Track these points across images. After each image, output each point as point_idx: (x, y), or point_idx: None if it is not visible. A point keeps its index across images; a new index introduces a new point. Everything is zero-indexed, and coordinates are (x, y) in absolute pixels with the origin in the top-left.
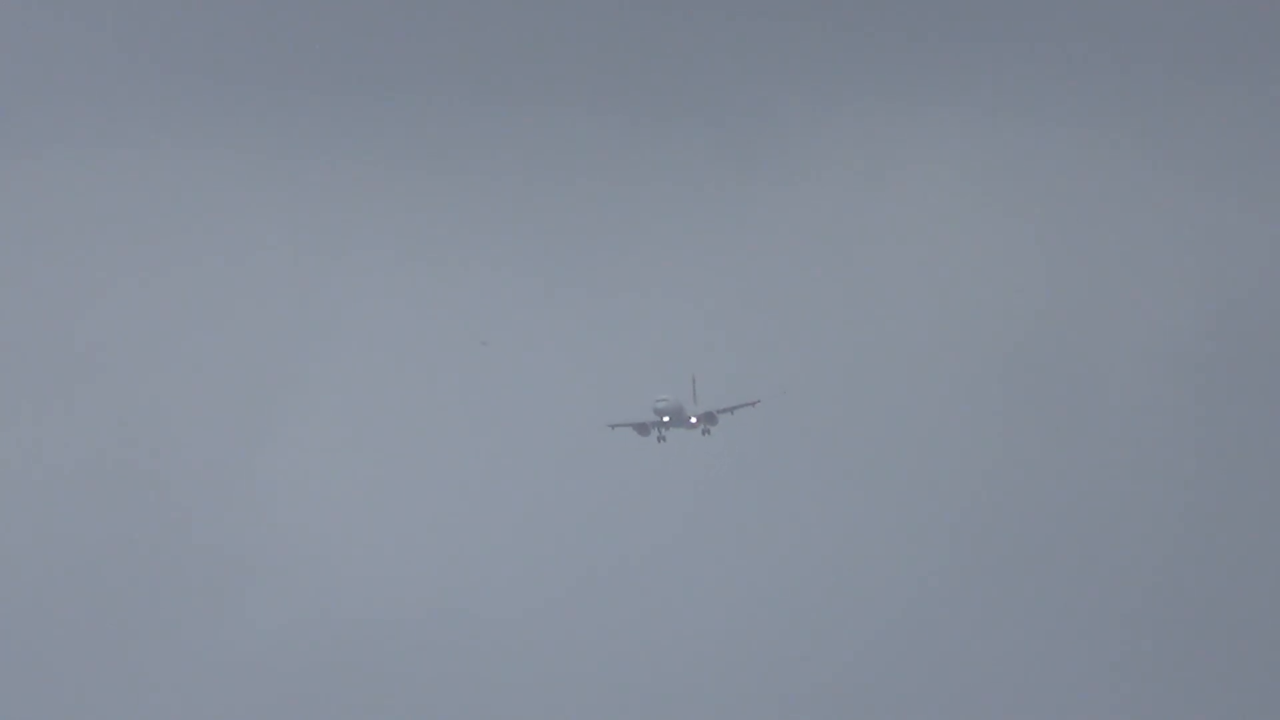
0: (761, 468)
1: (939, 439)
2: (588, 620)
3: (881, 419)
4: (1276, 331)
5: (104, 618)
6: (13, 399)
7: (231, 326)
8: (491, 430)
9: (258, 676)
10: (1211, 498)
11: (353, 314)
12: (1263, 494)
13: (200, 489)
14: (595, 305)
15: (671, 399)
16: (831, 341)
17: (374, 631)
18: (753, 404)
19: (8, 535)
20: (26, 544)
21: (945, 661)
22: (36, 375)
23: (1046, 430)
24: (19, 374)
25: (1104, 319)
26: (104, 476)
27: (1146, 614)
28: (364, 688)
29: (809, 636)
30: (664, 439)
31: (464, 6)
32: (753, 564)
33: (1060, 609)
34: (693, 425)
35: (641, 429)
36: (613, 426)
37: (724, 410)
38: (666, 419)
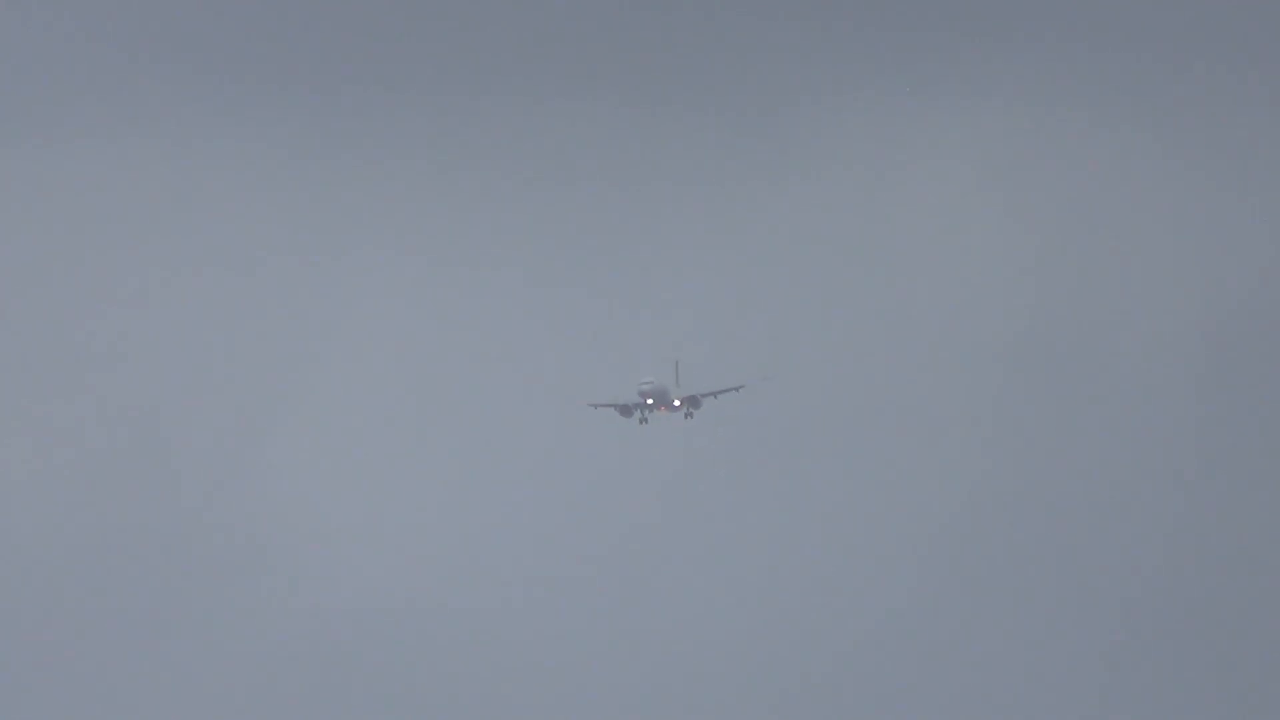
0: (743, 453)
1: (927, 430)
2: (574, 606)
3: (868, 410)
4: None
5: (111, 606)
6: (21, 393)
7: (235, 320)
8: (485, 415)
9: (263, 665)
10: (1212, 493)
11: (355, 304)
12: (1266, 491)
13: (205, 479)
14: (588, 290)
15: (656, 381)
16: (820, 330)
17: (372, 617)
18: (736, 389)
19: (16, 526)
20: (33, 535)
21: (931, 652)
22: (44, 369)
23: (1043, 423)
24: (27, 368)
25: (1104, 313)
26: (109, 470)
27: (1144, 609)
28: (364, 674)
29: (788, 623)
30: (645, 421)
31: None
32: (730, 549)
33: (1049, 600)
34: (675, 408)
35: (624, 410)
36: (595, 406)
37: (707, 394)
38: (650, 401)
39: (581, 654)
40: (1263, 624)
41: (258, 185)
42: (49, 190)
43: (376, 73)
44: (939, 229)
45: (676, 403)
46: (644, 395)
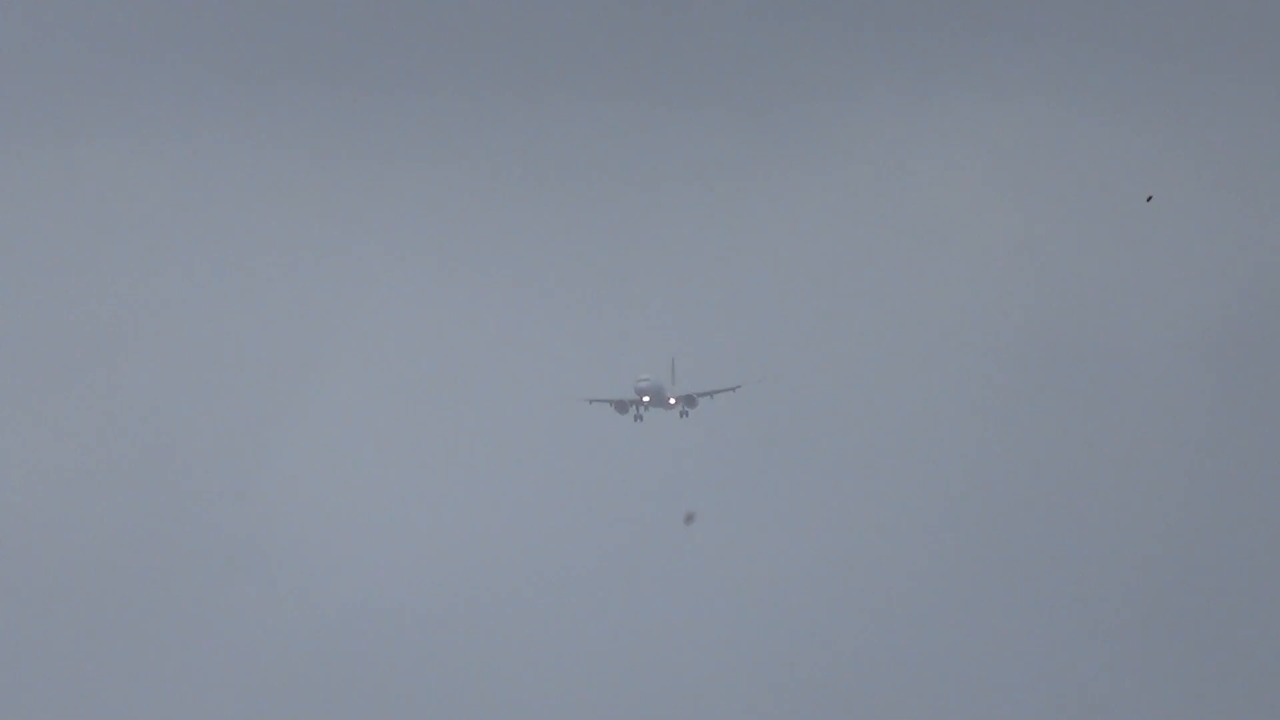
0: (741, 451)
1: (927, 430)
2: (575, 606)
3: (864, 413)
4: None
5: (117, 606)
6: (29, 391)
7: (242, 321)
8: (488, 414)
9: (270, 663)
10: (1217, 493)
11: (359, 303)
12: (1270, 491)
13: (211, 479)
14: (590, 289)
15: (653, 379)
16: (819, 330)
17: (374, 615)
18: (733, 389)
19: (24, 525)
20: (40, 535)
21: (930, 651)
22: (51, 369)
23: (1044, 423)
24: (37, 367)
25: (1106, 313)
26: (115, 471)
27: (1145, 609)
28: (369, 671)
29: (786, 623)
30: (641, 418)
31: None
32: (728, 548)
33: (1049, 600)
34: (671, 406)
35: (620, 406)
36: (591, 401)
37: (703, 394)
38: (647, 398)
39: (580, 653)
40: (1265, 625)
41: (265, 187)
42: (63, 191)
43: (377, 74)
44: (940, 229)
45: (672, 401)
46: (640, 393)
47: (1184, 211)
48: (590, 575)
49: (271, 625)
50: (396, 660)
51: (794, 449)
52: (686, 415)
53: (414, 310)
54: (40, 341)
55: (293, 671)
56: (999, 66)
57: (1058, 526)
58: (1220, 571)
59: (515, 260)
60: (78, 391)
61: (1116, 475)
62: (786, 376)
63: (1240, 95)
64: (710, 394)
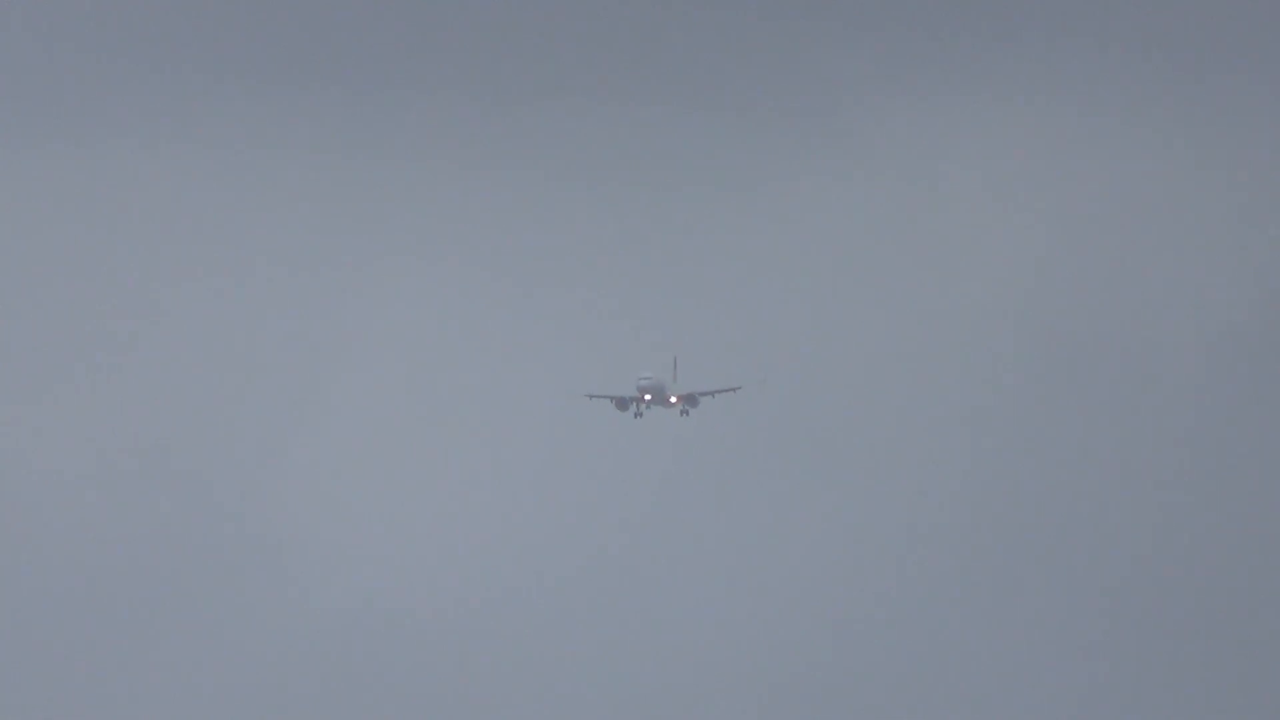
0: (740, 451)
1: (927, 431)
2: (577, 605)
3: (869, 419)
4: None
5: (130, 608)
6: (39, 391)
7: (248, 322)
8: (491, 411)
9: (280, 665)
10: (1220, 496)
11: (364, 306)
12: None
13: (223, 482)
14: (594, 289)
15: (655, 377)
16: (822, 331)
17: (382, 617)
18: (734, 390)
19: (37, 521)
20: (49, 534)
21: (928, 652)
22: (61, 369)
23: (1045, 425)
24: (47, 367)
25: (1108, 315)
26: (126, 474)
27: (1145, 611)
28: (376, 672)
29: (783, 623)
30: (641, 415)
31: None
32: (728, 547)
33: (1048, 600)
34: (672, 405)
35: (621, 403)
36: (591, 397)
37: (705, 394)
38: (648, 396)
39: (580, 652)
40: (1268, 626)
41: (276, 189)
42: (84, 191)
43: (378, 75)
44: (942, 230)
45: (673, 399)
46: (642, 390)
47: (1201, 219)
48: (593, 575)
49: (284, 623)
50: (408, 657)
51: (793, 449)
52: (687, 414)
53: (423, 309)
54: (56, 343)
55: (306, 669)
56: (998, 65)
57: (1060, 528)
58: (1225, 573)
59: (526, 259)
60: (91, 392)
61: (1125, 479)
62: (789, 378)
63: (1262, 103)
64: (712, 394)
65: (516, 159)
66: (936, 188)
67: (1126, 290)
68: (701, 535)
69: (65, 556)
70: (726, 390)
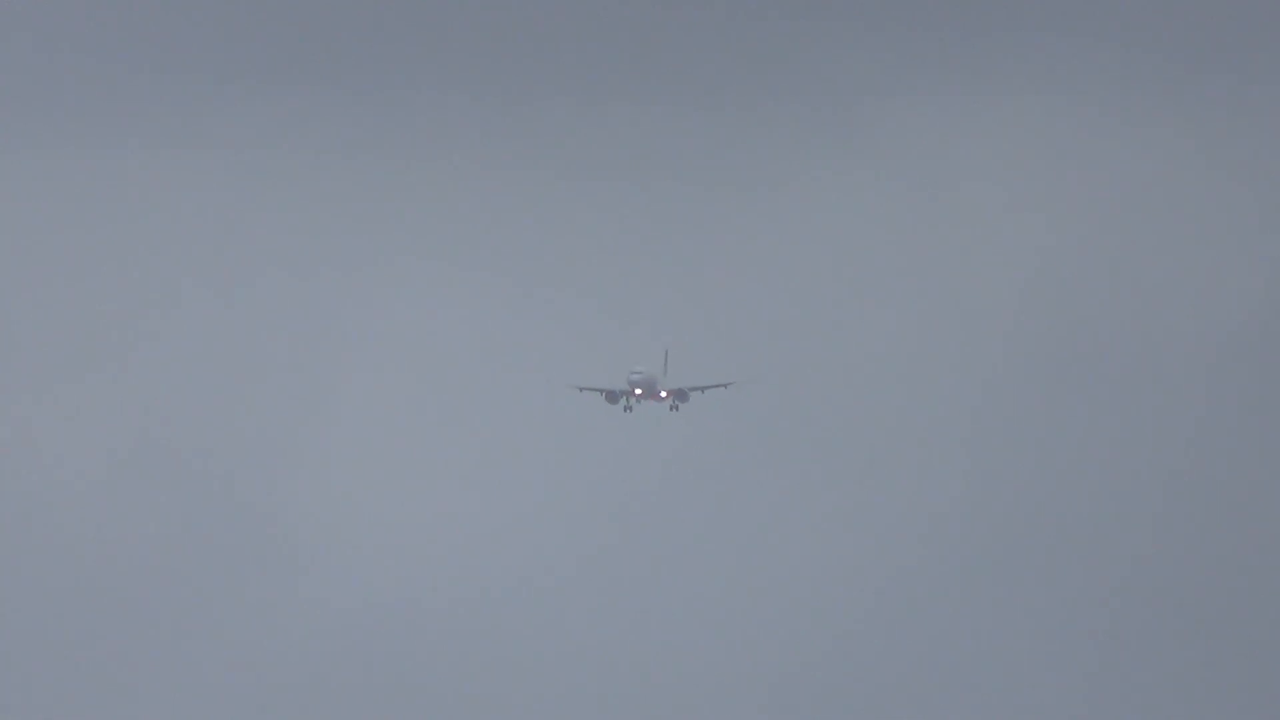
0: (737, 449)
1: (924, 431)
2: (578, 605)
3: (867, 416)
4: None
5: (137, 606)
6: (49, 388)
7: (254, 323)
8: (493, 408)
9: (288, 663)
10: (1221, 498)
11: (366, 307)
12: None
13: (232, 480)
14: (592, 288)
15: (646, 371)
16: (815, 329)
17: (387, 615)
18: (724, 386)
19: (51, 521)
20: (57, 534)
21: (923, 650)
22: (71, 369)
23: (1042, 426)
24: (58, 365)
25: (1108, 316)
26: (136, 473)
27: (1145, 612)
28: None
29: (779, 621)
30: (630, 409)
31: None
32: (726, 546)
33: (1046, 600)
34: (662, 399)
35: (610, 396)
36: (581, 389)
37: (695, 389)
38: (639, 390)
39: (579, 652)
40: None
41: (283, 191)
42: (96, 193)
43: (379, 76)
44: (942, 228)
45: (663, 394)
46: (633, 384)
47: (1209, 219)
48: (593, 573)
49: (291, 620)
50: (415, 651)
51: (789, 446)
52: (677, 409)
53: (426, 307)
54: (67, 344)
55: (314, 664)
56: (997, 65)
57: (1060, 528)
58: (1226, 575)
59: (527, 259)
60: (100, 392)
61: (1126, 479)
62: (788, 376)
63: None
64: (702, 389)
65: (517, 159)
66: (938, 185)
67: (1131, 289)
68: (702, 535)
69: (76, 555)
70: (717, 386)
